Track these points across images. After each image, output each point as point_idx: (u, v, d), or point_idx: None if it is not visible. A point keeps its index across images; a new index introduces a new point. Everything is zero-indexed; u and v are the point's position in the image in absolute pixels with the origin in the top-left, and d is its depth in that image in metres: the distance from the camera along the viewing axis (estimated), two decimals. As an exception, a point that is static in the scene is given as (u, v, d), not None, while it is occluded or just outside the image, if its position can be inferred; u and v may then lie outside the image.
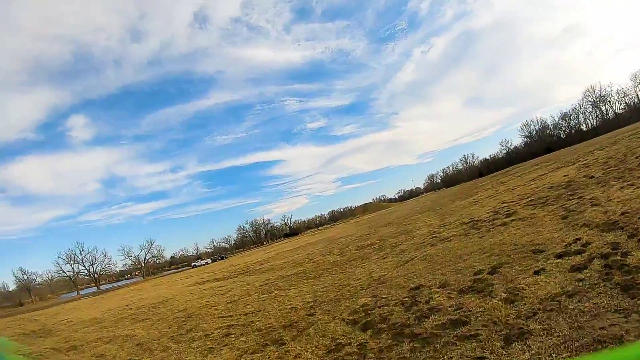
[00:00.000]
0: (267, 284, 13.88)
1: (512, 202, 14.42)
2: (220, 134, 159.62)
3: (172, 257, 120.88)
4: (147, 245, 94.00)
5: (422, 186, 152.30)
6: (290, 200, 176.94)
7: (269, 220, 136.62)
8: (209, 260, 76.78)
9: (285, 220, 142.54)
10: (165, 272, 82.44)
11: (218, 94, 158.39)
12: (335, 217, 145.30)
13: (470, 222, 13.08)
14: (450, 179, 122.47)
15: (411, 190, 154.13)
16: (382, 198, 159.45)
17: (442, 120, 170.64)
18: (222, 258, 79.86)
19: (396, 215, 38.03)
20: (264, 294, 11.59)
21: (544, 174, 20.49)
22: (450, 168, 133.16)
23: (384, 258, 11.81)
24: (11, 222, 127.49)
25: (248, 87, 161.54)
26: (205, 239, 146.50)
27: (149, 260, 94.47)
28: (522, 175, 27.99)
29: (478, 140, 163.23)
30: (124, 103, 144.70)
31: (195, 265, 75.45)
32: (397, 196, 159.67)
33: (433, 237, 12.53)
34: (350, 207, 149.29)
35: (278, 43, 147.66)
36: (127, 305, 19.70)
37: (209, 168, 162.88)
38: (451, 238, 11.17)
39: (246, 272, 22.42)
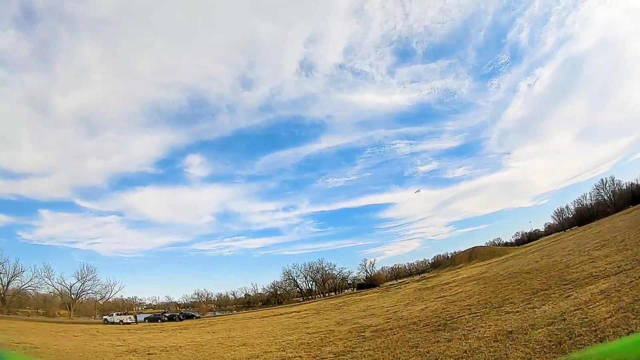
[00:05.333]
0: None
1: None
2: (332, 177, 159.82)
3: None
4: (83, 274, 74.66)
5: (542, 228, 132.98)
6: (402, 243, 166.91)
7: (333, 265, 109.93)
8: (126, 318, 49.11)
9: (366, 267, 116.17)
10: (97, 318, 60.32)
11: (329, 137, 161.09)
12: (439, 264, 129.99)
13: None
14: (587, 213, 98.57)
15: (529, 233, 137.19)
16: (496, 242, 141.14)
17: (555, 157, 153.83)
18: (171, 319, 53.06)
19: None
20: None
21: None
22: (587, 196, 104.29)
23: None
24: (128, 242, 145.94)
25: (358, 131, 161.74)
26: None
27: (81, 296, 74.44)
28: None
29: (595, 177, 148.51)
30: (238, 145, 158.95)
31: (107, 320, 48.93)
32: (513, 239, 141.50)
33: None
34: (457, 252, 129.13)
35: (383, 87, 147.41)
36: None
37: (322, 209, 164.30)
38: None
39: None
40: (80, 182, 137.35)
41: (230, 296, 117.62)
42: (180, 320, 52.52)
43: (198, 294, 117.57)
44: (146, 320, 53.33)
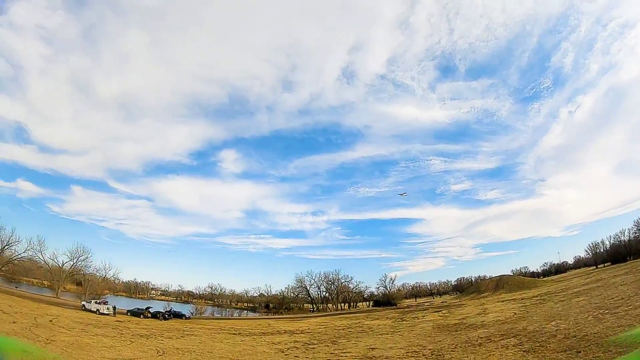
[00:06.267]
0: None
1: None
2: (364, 186, 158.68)
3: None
4: (77, 253, 71.55)
5: (570, 261, 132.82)
6: (427, 260, 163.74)
7: (350, 277, 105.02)
8: (104, 308, 45.60)
9: (386, 283, 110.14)
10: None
11: (364, 147, 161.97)
12: (462, 287, 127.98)
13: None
14: (624, 250, 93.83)
15: (557, 264, 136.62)
16: (523, 271, 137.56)
17: (589, 189, 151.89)
18: (155, 316, 49.03)
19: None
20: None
21: None
22: (626, 232, 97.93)
23: None
24: (154, 227, 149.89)
25: (394, 143, 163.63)
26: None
27: (72, 274, 71.89)
28: None
29: (629, 213, 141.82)
30: (274, 145, 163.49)
31: (84, 306, 46.25)
32: (540, 270, 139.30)
33: None
34: (482, 277, 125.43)
35: (423, 101, 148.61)
36: None
37: (350, 217, 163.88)
38: None
39: None
40: (114, 164, 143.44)
41: (243, 295, 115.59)
42: (165, 319, 48.50)
43: (211, 288, 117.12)
44: (128, 313, 49.52)
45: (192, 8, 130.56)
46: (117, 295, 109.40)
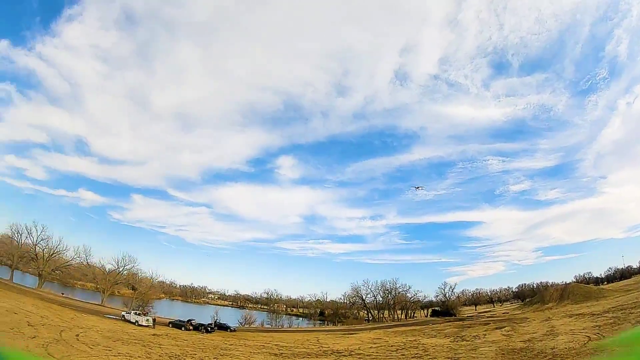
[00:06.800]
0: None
1: None
2: (422, 189, 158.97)
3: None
4: (123, 260, 74.86)
5: (635, 265, 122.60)
6: (486, 265, 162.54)
7: (408, 286, 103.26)
8: (143, 320, 44.69)
9: (445, 291, 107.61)
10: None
11: (421, 149, 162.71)
12: (523, 295, 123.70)
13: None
14: None
15: (622, 269, 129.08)
16: (586, 277, 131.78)
17: None
18: (197, 328, 48.68)
19: None
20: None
21: None
22: None
23: None
24: (214, 233, 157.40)
25: (450, 144, 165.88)
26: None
27: (118, 281, 74.60)
28: None
29: None
30: (330, 150, 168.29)
31: (124, 316, 46.63)
32: (604, 275, 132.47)
33: None
34: (544, 283, 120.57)
35: (478, 100, 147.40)
36: None
37: (408, 221, 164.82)
38: None
39: None
40: (174, 173, 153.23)
41: (299, 301, 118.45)
42: (208, 332, 47.80)
43: (267, 293, 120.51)
44: (170, 325, 49.27)
45: (242, 19, 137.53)
46: (173, 299, 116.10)
